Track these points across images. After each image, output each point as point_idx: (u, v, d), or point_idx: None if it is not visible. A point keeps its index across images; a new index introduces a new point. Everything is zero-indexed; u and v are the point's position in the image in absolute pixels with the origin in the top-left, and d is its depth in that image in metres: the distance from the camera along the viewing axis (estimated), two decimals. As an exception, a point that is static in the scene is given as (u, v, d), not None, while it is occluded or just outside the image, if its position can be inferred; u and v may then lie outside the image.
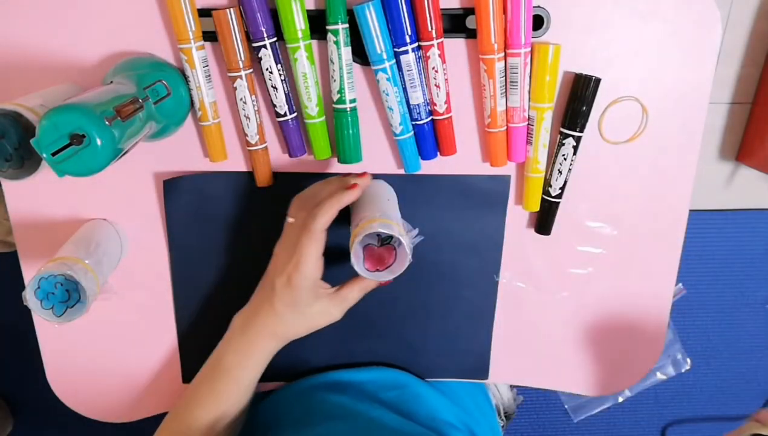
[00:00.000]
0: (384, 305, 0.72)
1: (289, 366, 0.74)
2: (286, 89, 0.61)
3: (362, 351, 0.74)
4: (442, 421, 0.68)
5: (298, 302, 0.57)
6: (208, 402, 0.60)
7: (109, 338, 0.73)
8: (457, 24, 0.61)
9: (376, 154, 0.66)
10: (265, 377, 0.63)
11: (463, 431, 0.69)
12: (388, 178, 0.67)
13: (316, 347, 0.73)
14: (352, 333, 0.73)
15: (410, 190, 0.67)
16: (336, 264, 0.62)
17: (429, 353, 0.75)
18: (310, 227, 0.54)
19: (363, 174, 0.60)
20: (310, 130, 0.62)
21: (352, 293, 0.60)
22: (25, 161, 0.52)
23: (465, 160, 0.67)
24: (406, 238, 0.54)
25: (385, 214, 0.54)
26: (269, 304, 0.58)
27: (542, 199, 0.67)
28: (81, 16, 0.60)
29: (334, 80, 0.60)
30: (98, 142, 0.45)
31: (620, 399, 1.75)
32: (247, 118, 0.62)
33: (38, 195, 0.67)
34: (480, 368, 0.76)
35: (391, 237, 0.54)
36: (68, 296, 0.56)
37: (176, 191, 0.66)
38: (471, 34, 0.61)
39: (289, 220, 0.57)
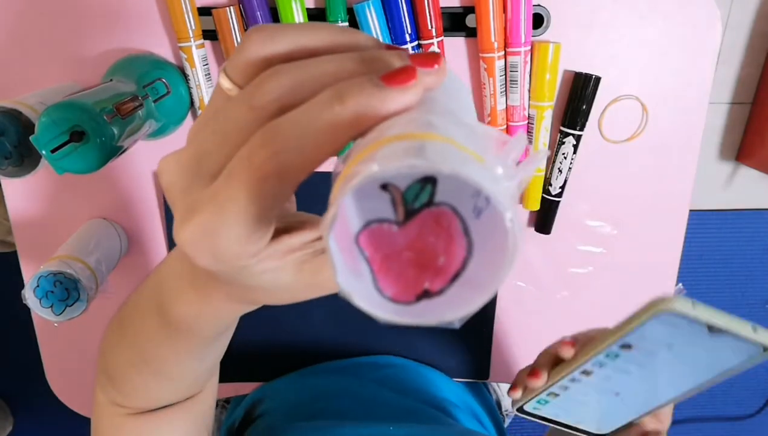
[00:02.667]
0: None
1: (286, 363, 0.74)
2: (285, 88, 0.61)
3: (361, 352, 0.74)
4: (442, 398, 0.68)
5: (232, 272, 0.25)
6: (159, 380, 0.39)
7: (109, 337, 0.73)
8: (457, 22, 0.61)
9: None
10: (260, 376, 0.63)
11: (463, 410, 0.69)
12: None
13: (312, 345, 0.73)
14: (351, 333, 0.73)
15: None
16: None
17: (429, 353, 0.75)
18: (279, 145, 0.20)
19: (432, 57, 0.21)
20: (310, 129, 0.62)
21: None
22: (24, 159, 0.52)
23: (465, 159, 0.67)
24: (501, 186, 0.18)
25: (438, 124, 0.19)
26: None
27: (542, 198, 0.67)
28: (81, 14, 0.60)
29: (334, 79, 0.60)
30: (97, 139, 0.45)
31: (620, 399, 1.74)
32: (247, 116, 0.61)
33: (38, 194, 0.66)
34: (480, 368, 0.75)
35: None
36: (67, 294, 0.56)
37: (176, 190, 0.66)
38: (471, 32, 0.61)
39: (225, 83, 0.23)
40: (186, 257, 0.28)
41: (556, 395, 0.49)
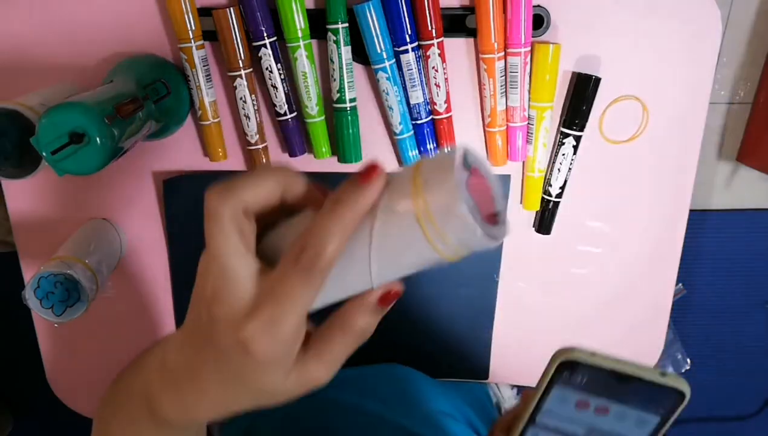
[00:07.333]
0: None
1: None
2: (286, 89, 0.61)
3: (360, 352, 0.74)
4: (439, 411, 0.69)
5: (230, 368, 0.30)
6: None
7: (109, 337, 0.73)
8: (457, 23, 0.61)
9: (376, 154, 0.66)
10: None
11: (460, 421, 0.69)
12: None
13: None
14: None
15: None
16: None
17: (429, 353, 0.75)
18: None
19: (371, 169, 0.29)
20: (310, 129, 0.62)
21: (336, 345, 0.34)
22: (24, 160, 0.52)
23: (465, 159, 0.67)
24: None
25: None
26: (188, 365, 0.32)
27: (542, 198, 0.67)
28: (81, 15, 0.60)
29: (334, 79, 0.60)
30: (98, 140, 0.45)
31: (620, 399, 1.74)
32: (247, 117, 0.62)
33: (38, 195, 0.66)
34: (480, 368, 0.75)
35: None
36: (68, 295, 0.56)
37: (176, 191, 0.66)
38: (471, 33, 0.61)
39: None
40: (170, 359, 0.33)
41: None
